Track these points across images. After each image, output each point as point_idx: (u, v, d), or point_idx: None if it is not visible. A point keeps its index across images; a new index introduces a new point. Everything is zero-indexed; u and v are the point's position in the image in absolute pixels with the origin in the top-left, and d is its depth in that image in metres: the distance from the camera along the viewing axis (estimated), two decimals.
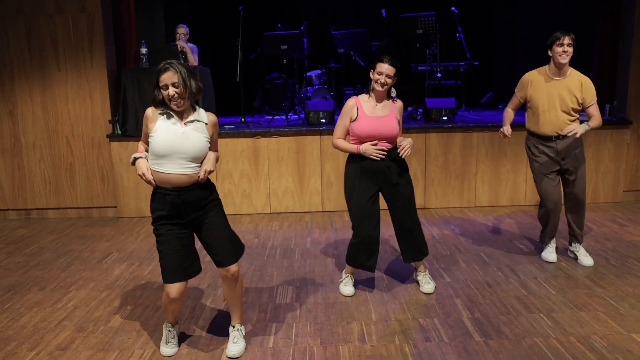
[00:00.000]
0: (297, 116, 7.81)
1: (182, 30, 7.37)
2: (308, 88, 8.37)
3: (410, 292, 4.14)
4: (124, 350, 3.36)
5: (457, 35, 8.02)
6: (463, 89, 8.35)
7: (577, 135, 4.20)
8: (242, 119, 7.11)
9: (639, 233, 5.51)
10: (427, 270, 4.27)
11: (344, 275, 4.24)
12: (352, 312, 3.82)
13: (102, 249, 5.38)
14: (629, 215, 6.23)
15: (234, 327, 3.38)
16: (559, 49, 4.27)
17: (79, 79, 6.42)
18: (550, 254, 4.76)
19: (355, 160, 3.90)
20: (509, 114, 4.73)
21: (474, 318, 3.70)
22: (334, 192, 6.57)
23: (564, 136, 4.39)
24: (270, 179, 6.54)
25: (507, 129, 4.59)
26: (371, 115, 3.85)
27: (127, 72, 6.45)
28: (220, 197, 6.40)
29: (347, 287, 4.15)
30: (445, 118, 6.75)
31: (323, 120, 6.66)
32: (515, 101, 4.67)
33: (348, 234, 5.49)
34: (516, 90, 4.64)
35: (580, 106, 4.37)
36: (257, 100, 9.41)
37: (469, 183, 6.67)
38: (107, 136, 6.45)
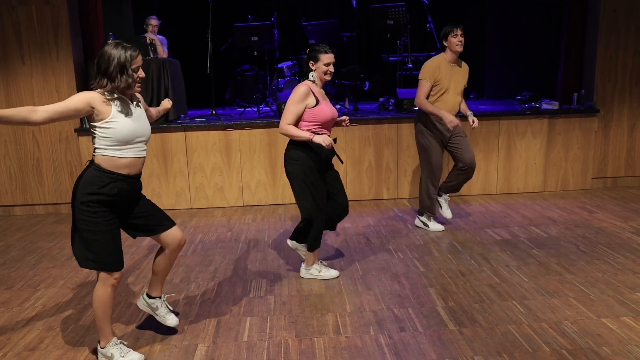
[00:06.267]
0: (268, 108, 7.76)
1: (153, 21, 7.24)
2: (279, 79, 8.31)
3: (385, 283, 4.15)
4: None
5: (428, 25, 8.03)
6: None
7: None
8: (213, 112, 7.04)
9: (608, 219, 5.61)
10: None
11: (317, 266, 4.27)
12: (326, 304, 3.82)
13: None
14: (598, 202, 6.33)
15: (160, 298, 3.39)
16: (454, 39, 4.86)
17: (45, 72, 6.26)
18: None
19: (311, 150, 3.94)
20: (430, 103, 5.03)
21: (448, 307, 3.73)
22: None
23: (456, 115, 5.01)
24: (242, 171, 6.49)
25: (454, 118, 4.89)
26: (324, 100, 4.00)
27: (94, 65, 6.31)
28: (193, 190, 6.42)
29: (332, 271, 4.28)
30: (416, 108, 6.71)
31: None
32: (428, 88, 4.95)
33: None
34: (427, 77, 4.92)
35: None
36: (228, 92, 9.32)
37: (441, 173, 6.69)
38: (75, 130, 6.32)
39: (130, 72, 2.88)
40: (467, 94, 9.39)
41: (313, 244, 4.17)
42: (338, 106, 7.18)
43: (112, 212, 2.95)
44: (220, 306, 3.84)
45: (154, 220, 3.16)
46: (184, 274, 4.44)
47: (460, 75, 5.02)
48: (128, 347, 3.16)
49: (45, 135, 6.37)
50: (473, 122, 4.93)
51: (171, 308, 3.46)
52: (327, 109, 3.95)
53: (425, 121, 5.10)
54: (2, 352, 3.28)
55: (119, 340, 3.14)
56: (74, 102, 2.83)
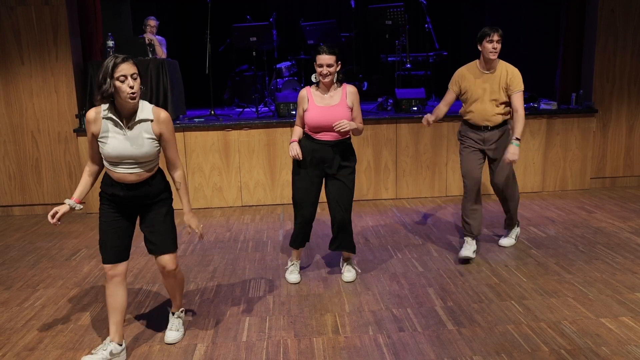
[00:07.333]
0: (267, 108, 7.76)
1: (152, 22, 7.25)
2: (278, 80, 8.32)
3: (384, 283, 4.16)
4: (94, 349, 3.29)
5: (426, 25, 8.05)
6: (432, 79, 8.38)
7: (514, 159, 4.22)
8: (212, 112, 7.04)
9: (606, 219, 5.62)
10: (351, 259, 4.35)
11: (289, 263, 4.31)
12: (325, 304, 3.82)
13: (70, 245, 5.28)
14: (596, 201, 6.34)
15: (173, 314, 3.42)
16: (489, 45, 4.28)
17: (44, 72, 6.26)
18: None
19: (303, 144, 3.95)
20: (440, 110, 4.61)
21: (446, 307, 3.73)
22: None
23: (492, 127, 4.45)
24: (241, 171, 6.49)
25: (429, 117, 4.50)
26: (320, 105, 3.88)
27: (93, 65, 6.32)
28: (191, 191, 6.40)
29: (293, 275, 4.23)
30: (415, 108, 6.77)
31: (293, 112, 6.61)
32: (449, 97, 4.54)
33: (321, 225, 5.49)
34: (450, 86, 4.56)
35: (507, 97, 4.39)
36: (226, 92, 9.32)
37: (440, 173, 6.71)
38: (74, 131, 6.32)
39: (112, 80, 2.75)
40: None
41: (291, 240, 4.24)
42: None
43: (115, 210, 3.06)
44: (219, 306, 3.84)
45: (153, 238, 3.14)
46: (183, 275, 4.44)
47: (494, 84, 4.37)
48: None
49: (44, 135, 6.36)
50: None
51: (177, 327, 3.40)
52: (312, 115, 3.84)
53: (462, 130, 4.60)
54: (2, 352, 3.28)
55: (108, 343, 3.13)
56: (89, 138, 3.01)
